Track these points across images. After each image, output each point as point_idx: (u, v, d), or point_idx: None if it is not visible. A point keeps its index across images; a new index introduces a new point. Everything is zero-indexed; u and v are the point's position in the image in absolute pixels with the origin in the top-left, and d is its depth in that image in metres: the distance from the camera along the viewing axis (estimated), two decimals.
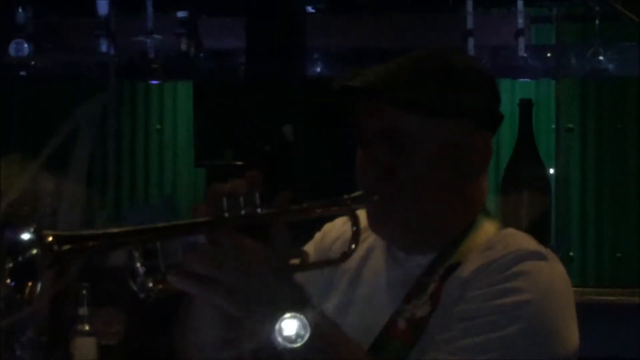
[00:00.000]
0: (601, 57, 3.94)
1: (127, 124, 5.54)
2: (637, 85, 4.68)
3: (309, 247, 2.03)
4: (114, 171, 4.99)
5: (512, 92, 4.20)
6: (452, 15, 4.03)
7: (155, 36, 4.13)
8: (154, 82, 5.08)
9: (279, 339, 1.67)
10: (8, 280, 1.64)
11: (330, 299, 1.99)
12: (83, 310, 3.59)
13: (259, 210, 1.71)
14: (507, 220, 1.98)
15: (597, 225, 4.94)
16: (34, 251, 1.63)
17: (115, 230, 1.85)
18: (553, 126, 4.54)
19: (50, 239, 1.63)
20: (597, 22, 3.98)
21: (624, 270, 4.79)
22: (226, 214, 1.69)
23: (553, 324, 1.80)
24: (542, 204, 3.70)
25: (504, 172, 3.66)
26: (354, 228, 1.83)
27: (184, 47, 4.10)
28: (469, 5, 3.88)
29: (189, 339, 1.91)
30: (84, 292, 3.59)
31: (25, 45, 4.13)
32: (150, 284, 1.69)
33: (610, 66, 3.97)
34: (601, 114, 4.90)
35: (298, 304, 1.69)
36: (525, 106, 3.60)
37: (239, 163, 3.99)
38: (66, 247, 1.64)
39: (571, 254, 4.60)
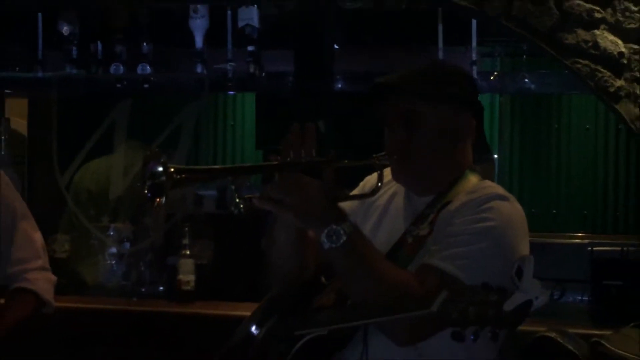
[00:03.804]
0: (526, 80, 4.54)
1: (212, 121, 6.32)
2: (549, 100, 5.59)
3: (356, 190, 2.28)
4: (205, 151, 5.68)
5: None
6: (428, 49, 4.57)
7: (232, 63, 4.69)
8: (231, 92, 5.87)
9: (325, 240, 1.90)
10: (146, 191, 1.85)
11: (367, 223, 2.20)
12: (185, 241, 4.14)
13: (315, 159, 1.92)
14: None
15: (519, 189, 5.73)
16: (163, 177, 1.83)
17: (217, 167, 2.44)
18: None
19: (172, 169, 1.83)
20: (524, 57, 4.68)
21: (536, 220, 5.60)
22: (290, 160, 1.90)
23: (511, 242, 2.00)
24: (489, 172, 4.12)
25: None
26: (379, 173, 2.07)
27: (251, 70, 4.62)
28: (440, 43, 4.51)
29: (272, 248, 2.17)
30: (186, 228, 4.17)
31: (147, 67, 4.72)
32: (240, 205, 1.93)
33: (533, 86, 4.57)
34: (525, 119, 5.68)
35: (339, 219, 1.92)
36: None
37: None
38: (182, 175, 1.84)
39: None
